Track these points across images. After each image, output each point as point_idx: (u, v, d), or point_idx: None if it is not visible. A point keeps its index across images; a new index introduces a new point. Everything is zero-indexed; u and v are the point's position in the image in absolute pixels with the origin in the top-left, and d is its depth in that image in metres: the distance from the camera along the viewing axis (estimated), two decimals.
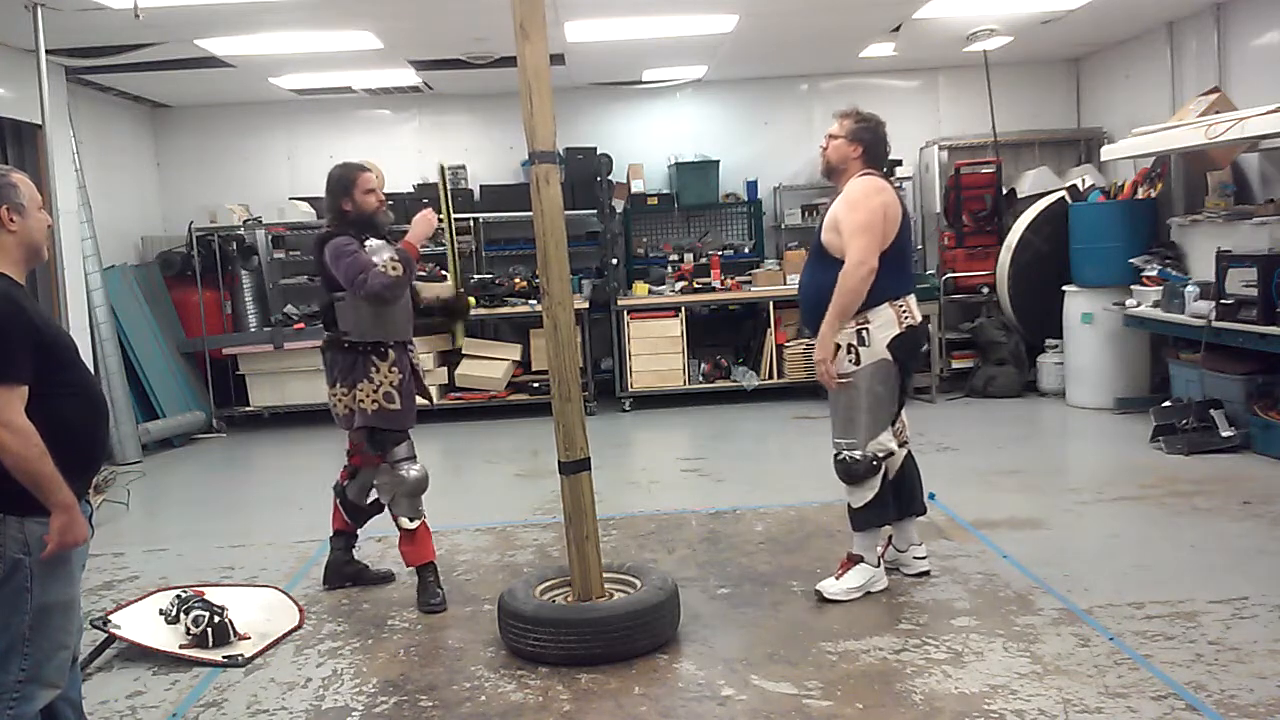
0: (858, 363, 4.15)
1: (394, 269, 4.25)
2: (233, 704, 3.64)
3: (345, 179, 4.44)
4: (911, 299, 4.25)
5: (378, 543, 5.11)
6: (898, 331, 4.15)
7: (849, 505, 4.29)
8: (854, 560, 4.30)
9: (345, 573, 4.80)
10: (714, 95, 9.97)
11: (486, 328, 9.39)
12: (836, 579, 4.28)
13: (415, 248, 4.38)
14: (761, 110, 9.88)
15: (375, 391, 4.36)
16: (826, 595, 4.24)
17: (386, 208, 4.58)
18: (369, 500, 4.73)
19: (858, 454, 4.19)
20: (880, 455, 4.21)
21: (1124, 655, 3.58)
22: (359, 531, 4.87)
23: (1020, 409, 8.36)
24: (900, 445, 4.41)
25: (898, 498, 4.44)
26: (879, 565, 4.33)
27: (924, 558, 4.54)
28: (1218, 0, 7.43)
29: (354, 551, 4.87)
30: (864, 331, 4.13)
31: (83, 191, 7.94)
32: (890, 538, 4.59)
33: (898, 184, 9.37)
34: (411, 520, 4.47)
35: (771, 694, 3.45)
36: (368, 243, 4.40)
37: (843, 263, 4.10)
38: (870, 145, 4.27)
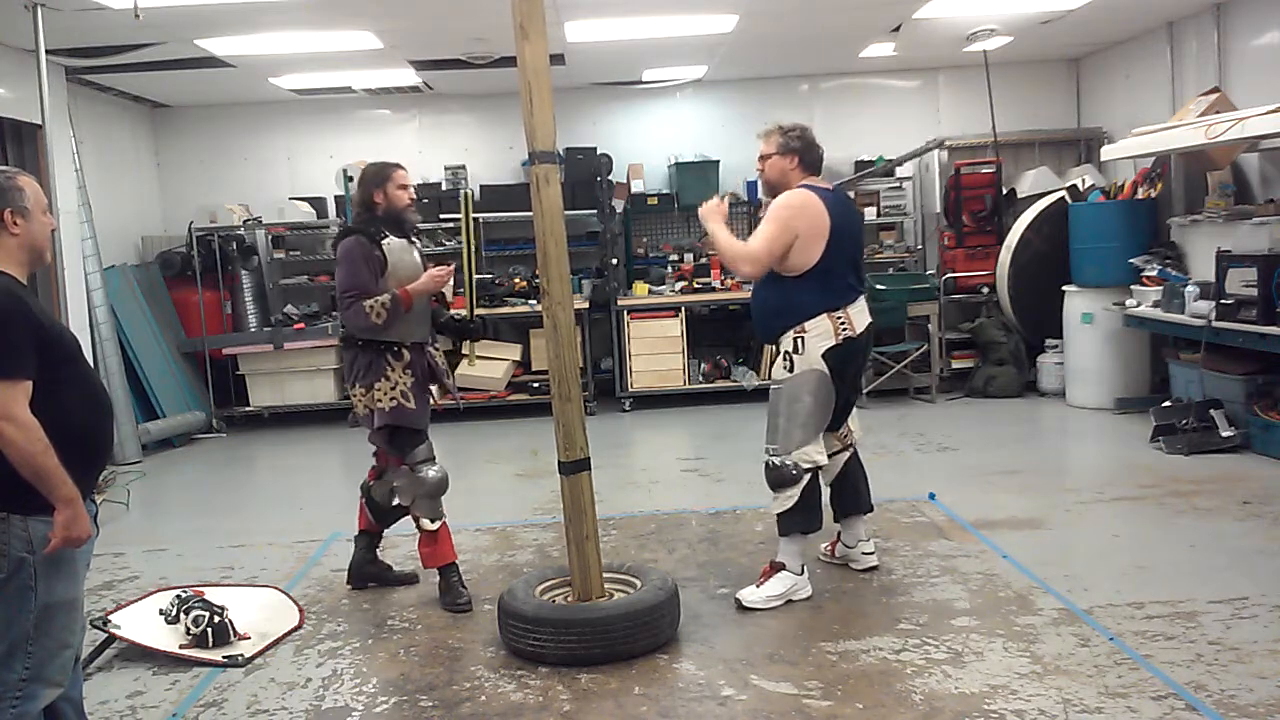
0: (792, 370, 4.20)
1: (378, 317, 4.25)
2: (233, 704, 3.64)
3: (381, 173, 4.46)
4: (853, 309, 4.26)
5: (394, 549, 5.11)
6: (834, 343, 4.19)
7: (773, 511, 4.31)
8: (776, 568, 4.28)
9: (367, 573, 4.79)
10: (714, 95, 9.97)
11: (487, 328, 9.35)
12: (757, 586, 4.27)
13: (411, 299, 4.35)
14: (761, 110, 9.85)
15: (393, 390, 4.36)
16: (745, 604, 4.22)
17: (415, 207, 4.60)
18: (395, 501, 4.70)
19: (780, 460, 4.20)
20: (803, 465, 4.21)
21: (1124, 655, 3.58)
22: (385, 532, 4.86)
23: (1020, 409, 8.36)
24: (845, 449, 4.49)
25: (843, 496, 4.53)
26: (803, 573, 4.31)
27: (872, 553, 4.59)
28: (1218, 0, 7.44)
29: (378, 552, 4.86)
30: (800, 340, 4.18)
31: (83, 191, 7.95)
32: (839, 534, 4.66)
33: (898, 184, 9.52)
34: (432, 521, 4.47)
35: (771, 694, 3.45)
36: (387, 242, 4.39)
37: (785, 277, 4.19)
38: (804, 153, 4.31)
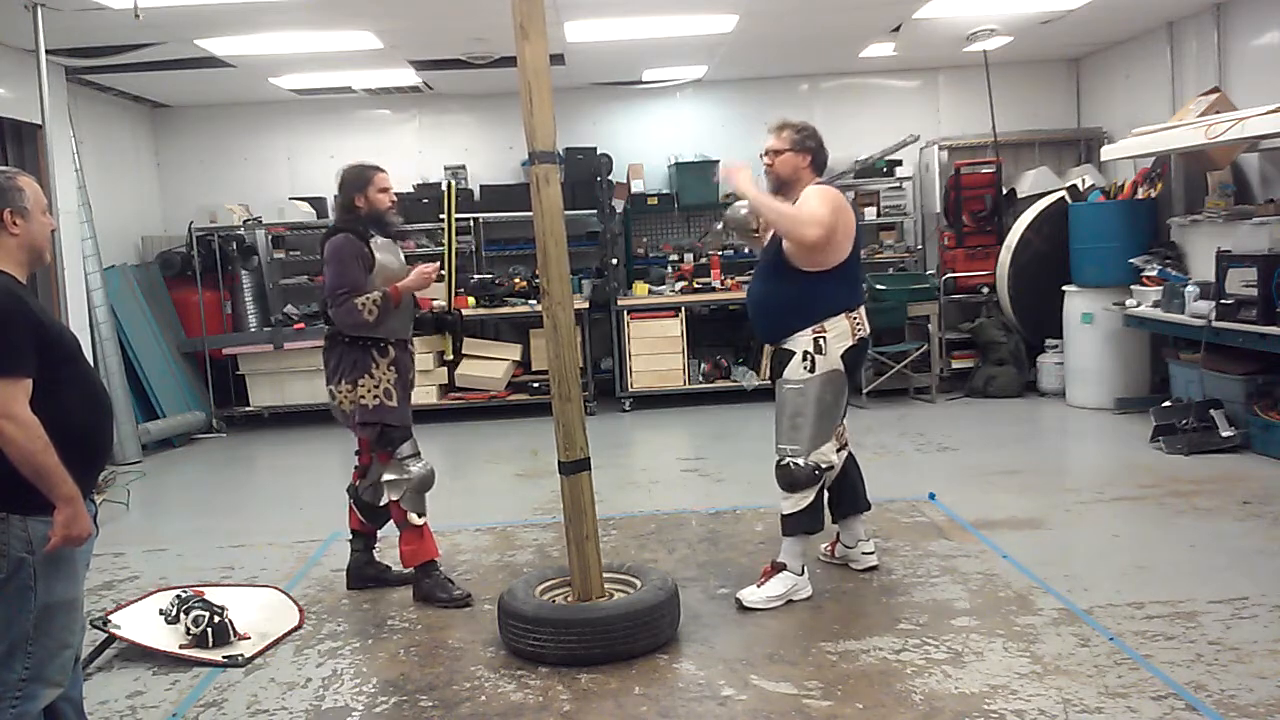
0: (812, 370, 4.16)
1: (369, 314, 4.28)
2: (233, 704, 3.64)
3: (362, 177, 4.47)
4: (862, 310, 4.28)
5: (393, 549, 5.11)
6: (851, 343, 4.19)
7: (781, 512, 4.29)
8: (778, 568, 4.27)
9: (366, 574, 4.78)
10: (714, 95, 9.97)
11: (486, 328, 9.39)
12: (758, 586, 4.26)
13: (400, 296, 4.38)
14: (761, 110, 9.84)
15: (376, 387, 4.39)
16: (746, 604, 4.21)
17: (397, 209, 4.61)
18: (383, 500, 4.68)
19: (801, 461, 4.19)
20: (822, 465, 4.20)
21: (1124, 655, 3.58)
22: (379, 533, 4.85)
23: (1020, 409, 8.36)
24: (843, 447, 4.48)
25: (840, 497, 4.52)
26: (803, 574, 4.29)
27: (872, 553, 4.59)
28: (1218, 0, 7.44)
29: (374, 553, 4.86)
30: (821, 340, 4.15)
31: (83, 191, 7.95)
32: (839, 534, 4.66)
33: (897, 184, 9.51)
34: (419, 516, 4.49)
35: (771, 694, 3.45)
36: (374, 240, 4.43)
37: (802, 272, 4.15)
38: (816, 152, 4.29)
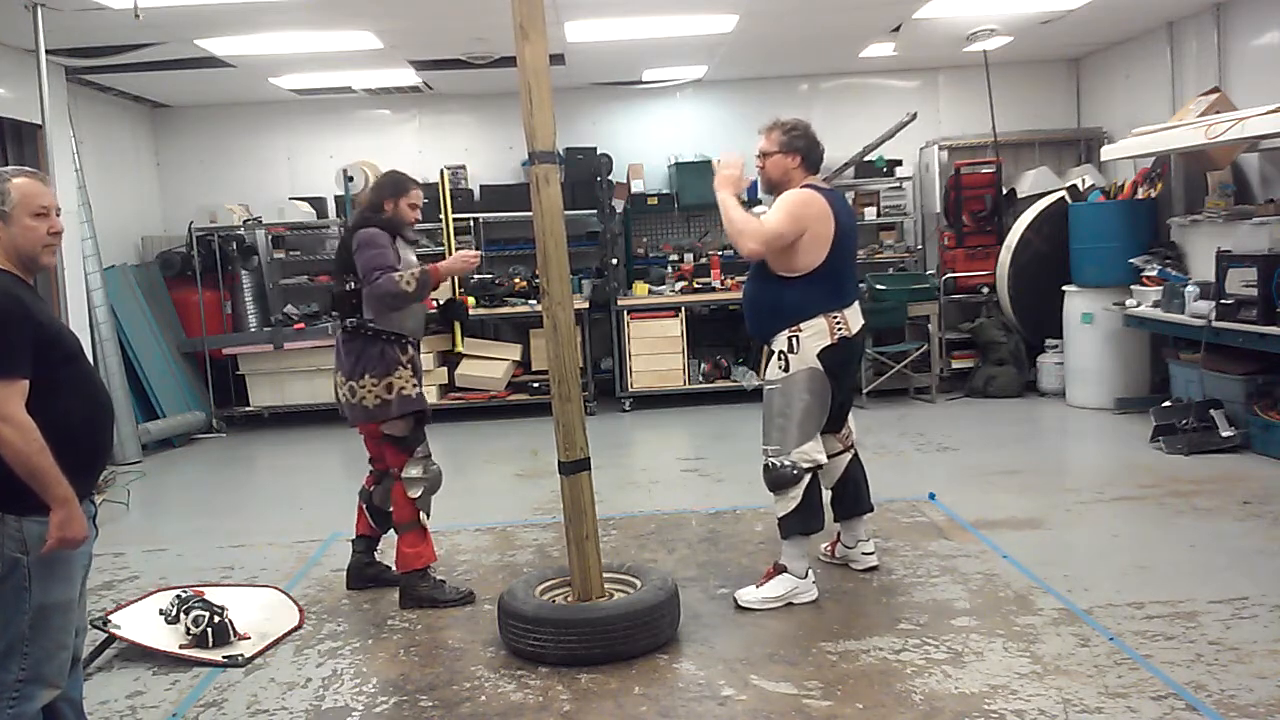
0: (787, 370, 4.16)
1: (408, 285, 4.30)
2: (233, 704, 3.64)
3: (402, 186, 4.50)
4: (849, 311, 4.23)
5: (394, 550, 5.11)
6: (829, 342, 4.16)
7: (775, 514, 4.29)
8: (779, 570, 4.26)
9: (367, 574, 4.79)
10: (714, 95, 9.97)
11: (486, 328, 9.39)
12: (757, 587, 4.25)
13: (440, 276, 4.45)
14: (761, 110, 9.73)
15: (412, 376, 4.44)
16: (741, 603, 4.22)
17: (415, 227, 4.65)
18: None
19: (780, 461, 4.18)
20: (804, 465, 4.18)
21: (1124, 655, 3.58)
22: (382, 535, 4.85)
23: (1020, 409, 8.36)
24: (847, 449, 4.48)
25: (843, 498, 4.53)
26: (806, 576, 4.26)
27: (872, 553, 4.59)
28: (1218, 0, 7.44)
29: (375, 554, 4.85)
30: (794, 339, 4.15)
31: (83, 191, 7.95)
32: (839, 534, 4.66)
33: (897, 184, 9.51)
34: (427, 517, 4.50)
35: (771, 694, 3.45)
36: (397, 242, 4.46)
37: (782, 278, 4.17)
38: (807, 152, 4.27)
